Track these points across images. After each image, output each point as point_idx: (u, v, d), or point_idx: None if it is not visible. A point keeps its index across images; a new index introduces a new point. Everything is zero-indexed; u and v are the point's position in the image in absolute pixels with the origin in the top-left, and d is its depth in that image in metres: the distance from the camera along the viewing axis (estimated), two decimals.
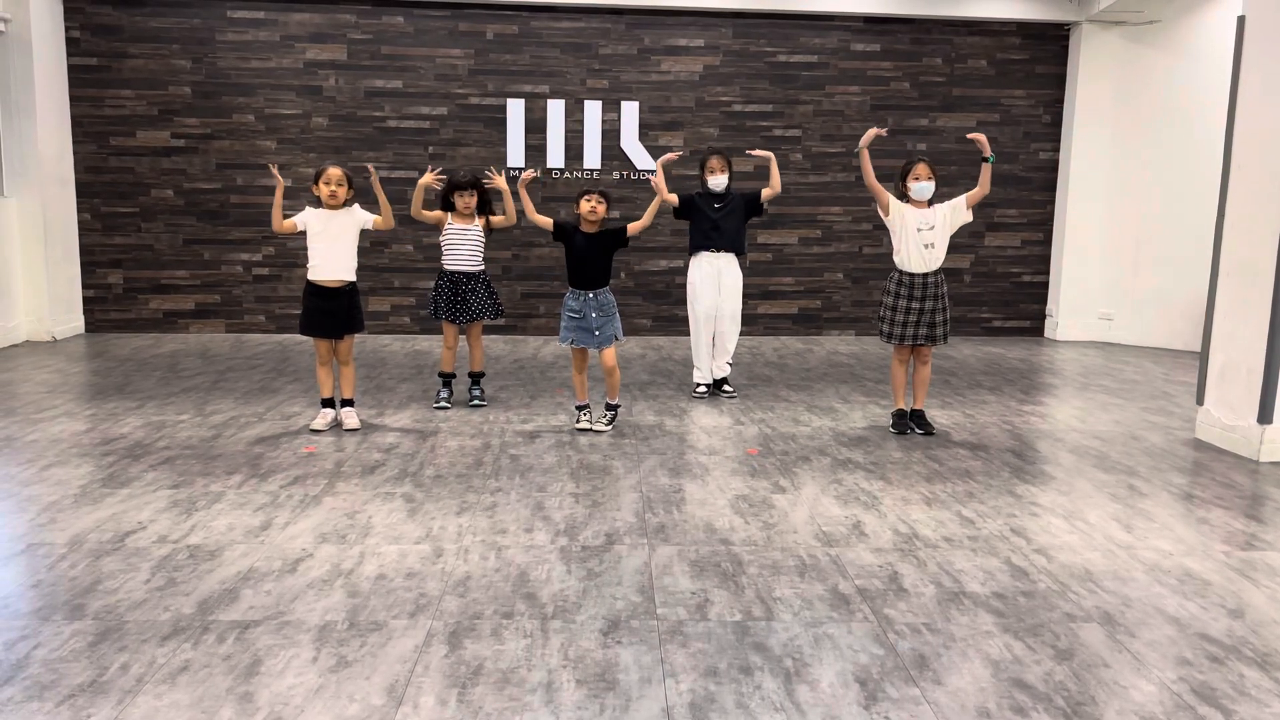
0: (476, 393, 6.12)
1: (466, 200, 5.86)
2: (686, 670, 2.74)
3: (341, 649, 2.83)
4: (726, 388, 6.54)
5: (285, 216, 5.38)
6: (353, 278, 5.42)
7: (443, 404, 6.00)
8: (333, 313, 5.38)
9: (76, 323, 8.81)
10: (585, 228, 5.38)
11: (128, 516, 3.94)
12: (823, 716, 2.52)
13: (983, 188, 5.39)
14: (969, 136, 5.68)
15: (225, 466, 4.68)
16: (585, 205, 5.31)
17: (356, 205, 5.45)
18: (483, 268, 5.99)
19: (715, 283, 6.33)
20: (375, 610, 3.10)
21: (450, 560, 3.53)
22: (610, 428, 5.54)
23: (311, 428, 5.40)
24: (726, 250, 6.31)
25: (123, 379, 6.78)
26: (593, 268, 5.36)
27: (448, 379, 6.08)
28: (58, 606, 3.08)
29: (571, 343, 5.45)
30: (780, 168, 9.18)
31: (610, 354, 5.46)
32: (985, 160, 5.39)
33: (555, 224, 5.45)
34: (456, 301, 5.91)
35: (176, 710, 2.49)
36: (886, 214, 5.45)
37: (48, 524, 3.83)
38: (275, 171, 5.64)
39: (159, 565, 3.43)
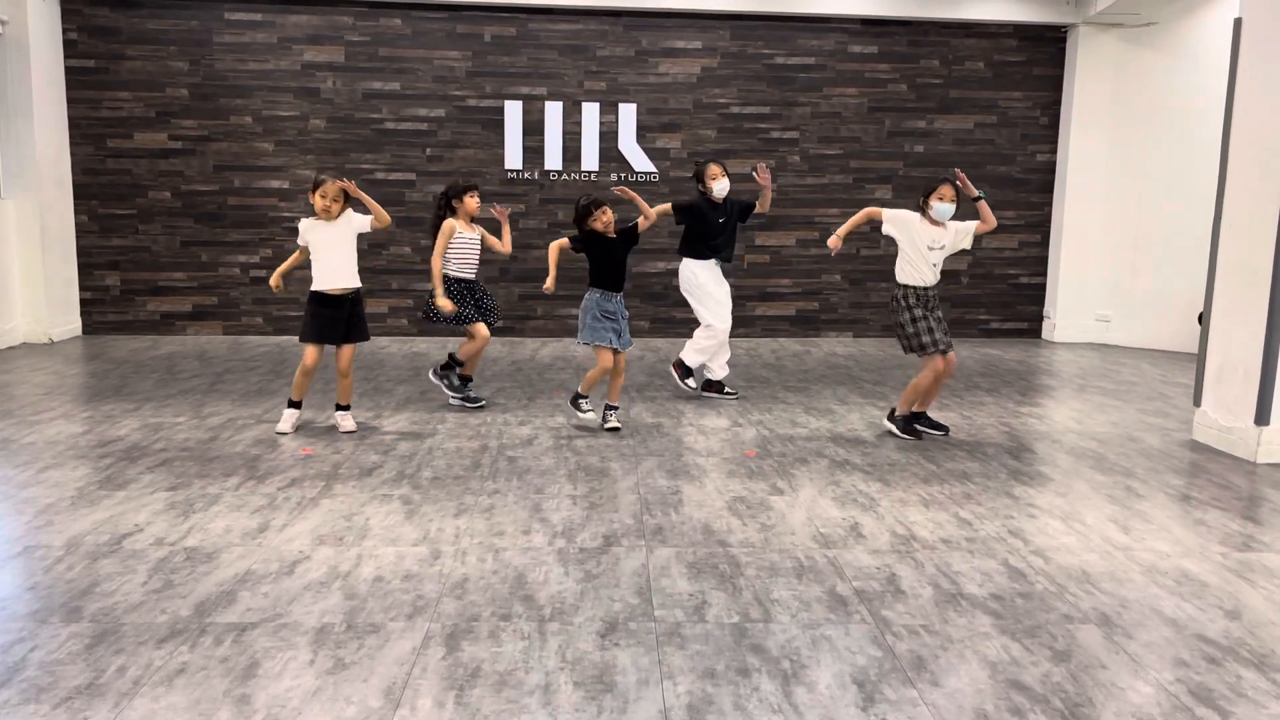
0: (473, 394, 6.17)
1: (477, 200, 5.92)
2: (684, 672, 2.74)
3: (339, 651, 2.83)
4: (727, 390, 6.57)
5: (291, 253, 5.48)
6: (357, 283, 5.41)
7: (480, 403, 6.13)
8: (338, 320, 5.36)
9: (74, 325, 8.80)
10: (608, 234, 5.42)
11: (125, 519, 3.93)
12: (820, 718, 2.52)
13: (987, 222, 5.39)
14: (958, 180, 5.38)
15: (222, 468, 4.68)
16: (604, 218, 5.37)
17: (350, 211, 5.40)
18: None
19: (720, 284, 6.42)
20: (373, 612, 3.09)
21: (448, 562, 3.53)
22: (617, 425, 5.59)
23: (278, 430, 5.38)
24: (726, 262, 6.44)
25: (120, 381, 6.77)
26: (621, 268, 5.46)
27: (466, 381, 6.20)
28: (55, 609, 3.08)
29: (610, 343, 5.45)
30: (778, 169, 9.30)
31: (622, 357, 5.56)
32: (977, 199, 5.38)
33: (584, 237, 5.46)
34: (479, 304, 6.00)
35: (174, 713, 2.49)
36: (883, 221, 5.42)
37: (45, 526, 3.83)
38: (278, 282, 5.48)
39: (156, 567, 3.43)
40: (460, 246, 5.91)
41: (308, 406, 5.95)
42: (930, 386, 5.50)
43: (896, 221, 5.39)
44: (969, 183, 5.36)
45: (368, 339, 5.59)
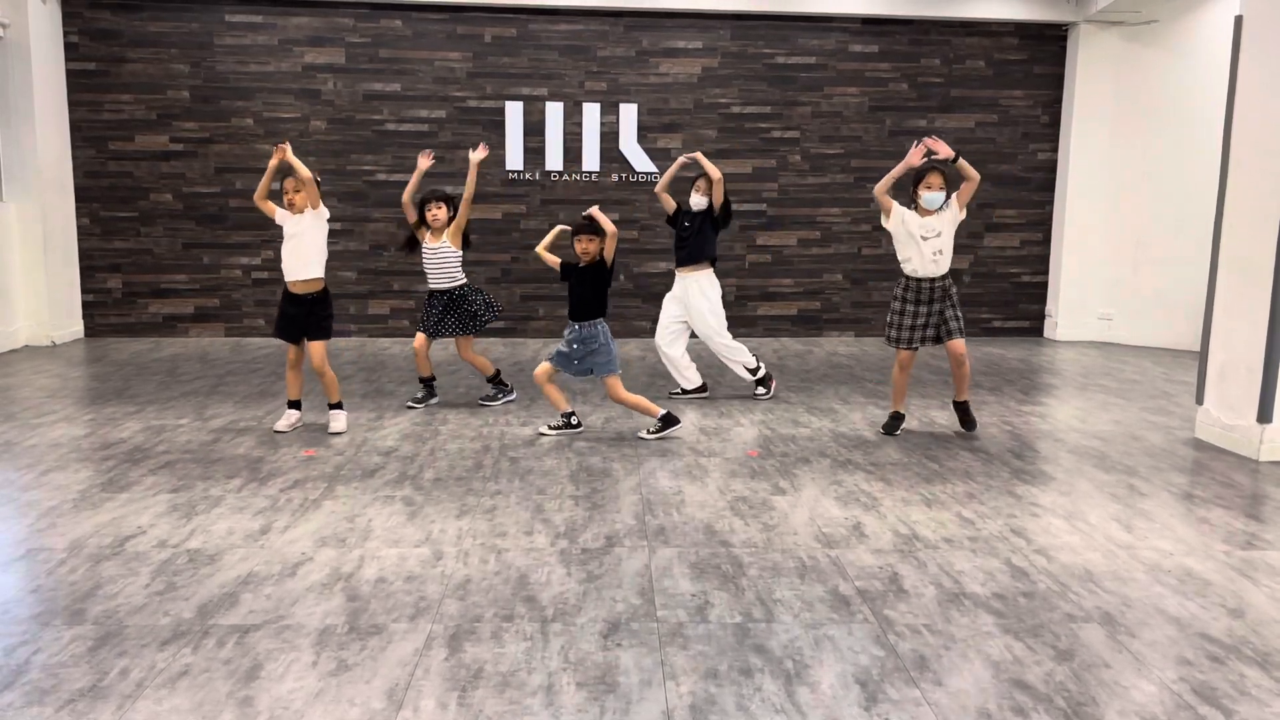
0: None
1: (434, 213, 5.91)
2: (687, 672, 2.74)
3: (341, 653, 2.83)
4: (760, 390, 6.53)
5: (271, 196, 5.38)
6: (315, 274, 5.33)
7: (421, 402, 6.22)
8: (295, 317, 5.36)
9: (76, 327, 8.81)
10: (581, 262, 5.33)
11: (127, 521, 3.93)
12: (823, 718, 2.52)
13: (971, 179, 5.22)
14: (928, 151, 5.24)
15: (225, 470, 4.68)
16: (577, 246, 5.28)
17: (312, 210, 5.30)
18: (462, 282, 6.03)
19: (677, 299, 6.41)
20: (375, 614, 3.09)
21: (450, 563, 3.53)
22: (655, 436, 5.45)
23: (275, 429, 5.42)
24: (687, 264, 6.35)
25: (122, 383, 6.78)
26: (578, 299, 5.31)
27: (428, 381, 6.24)
28: (57, 611, 3.08)
29: (555, 364, 5.40)
30: (779, 169, 9.29)
31: (615, 386, 5.34)
32: (954, 161, 5.21)
33: (561, 264, 5.42)
34: (439, 315, 6.04)
35: (177, 715, 2.49)
36: (888, 219, 5.41)
37: (47, 529, 3.83)
38: (282, 152, 5.24)
39: (159, 570, 3.43)
40: (424, 256, 5.99)
41: (310, 408, 5.95)
42: (902, 384, 5.54)
43: (897, 211, 5.37)
44: (941, 143, 5.20)
45: (326, 337, 5.45)
